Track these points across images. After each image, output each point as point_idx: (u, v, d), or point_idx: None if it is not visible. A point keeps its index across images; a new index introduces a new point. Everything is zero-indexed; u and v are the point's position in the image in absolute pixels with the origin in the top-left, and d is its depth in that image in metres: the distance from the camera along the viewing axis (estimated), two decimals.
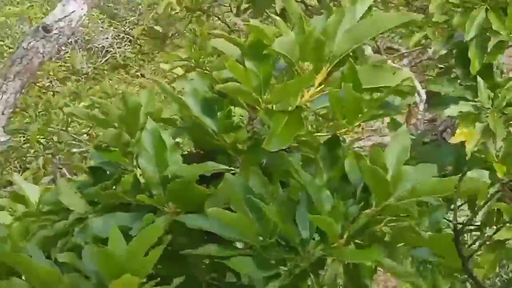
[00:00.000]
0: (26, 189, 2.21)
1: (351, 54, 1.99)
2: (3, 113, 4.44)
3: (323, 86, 1.96)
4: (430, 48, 4.67)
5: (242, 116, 2.05)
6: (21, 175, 6.48)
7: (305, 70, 1.94)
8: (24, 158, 7.35)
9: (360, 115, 1.89)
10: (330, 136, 1.94)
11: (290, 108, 1.93)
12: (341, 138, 1.96)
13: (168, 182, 1.87)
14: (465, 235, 3.89)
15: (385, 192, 1.73)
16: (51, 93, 9.13)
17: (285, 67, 2.02)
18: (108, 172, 2.01)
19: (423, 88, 4.36)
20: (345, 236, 1.72)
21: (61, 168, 6.65)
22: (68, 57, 11.59)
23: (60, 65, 10.81)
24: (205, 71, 2.10)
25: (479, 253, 3.09)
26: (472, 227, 3.33)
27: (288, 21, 2.16)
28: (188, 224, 1.77)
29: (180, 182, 1.83)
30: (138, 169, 1.95)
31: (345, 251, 1.72)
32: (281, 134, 1.83)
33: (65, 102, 7.30)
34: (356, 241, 1.77)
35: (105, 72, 11.81)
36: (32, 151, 7.03)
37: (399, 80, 1.94)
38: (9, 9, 12.05)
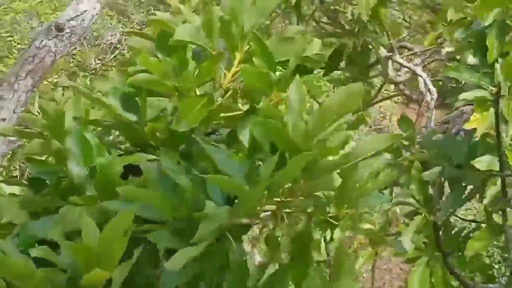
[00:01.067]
0: None
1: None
2: (14, 112, 4.46)
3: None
4: (444, 47, 4.64)
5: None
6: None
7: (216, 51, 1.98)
8: None
9: (272, 85, 1.92)
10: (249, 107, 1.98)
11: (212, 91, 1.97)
12: None
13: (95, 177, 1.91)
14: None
15: (292, 144, 1.72)
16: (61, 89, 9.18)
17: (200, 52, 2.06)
18: (46, 181, 2.05)
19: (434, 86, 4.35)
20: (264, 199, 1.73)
21: None
22: (76, 53, 11.63)
23: (68, 61, 10.85)
24: (124, 68, 2.11)
25: None
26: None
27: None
28: (106, 208, 1.78)
29: (100, 176, 1.87)
30: None
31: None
32: (191, 113, 1.88)
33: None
34: None
35: (113, 68, 11.84)
36: None
37: (310, 50, 1.97)
38: (18, 5, 12.10)
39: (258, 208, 1.77)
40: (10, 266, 1.61)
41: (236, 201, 1.75)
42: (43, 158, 2.14)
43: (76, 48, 11.62)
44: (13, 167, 7.32)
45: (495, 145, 3.01)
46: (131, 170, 1.93)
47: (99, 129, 2.13)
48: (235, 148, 1.92)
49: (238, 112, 1.99)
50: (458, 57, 4.11)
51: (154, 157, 1.89)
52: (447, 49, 4.58)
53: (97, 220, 1.80)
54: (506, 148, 3.05)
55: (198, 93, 1.99)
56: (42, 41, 4.65)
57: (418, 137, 3.63)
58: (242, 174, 1.74)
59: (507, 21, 3.09)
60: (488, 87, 3.04)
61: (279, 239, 1.93)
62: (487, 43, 3.06)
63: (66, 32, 4.70)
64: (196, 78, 1.96)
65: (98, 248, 1.62)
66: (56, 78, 10.07)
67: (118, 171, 1.86)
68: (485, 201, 3.17)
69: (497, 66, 3.04)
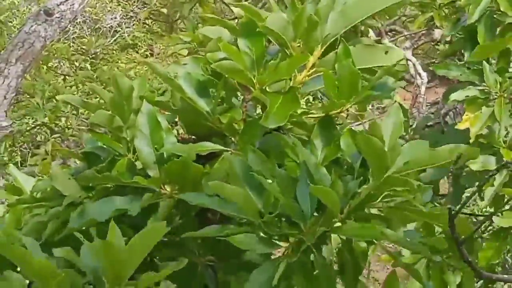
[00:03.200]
0: (22, 180, 2.19)
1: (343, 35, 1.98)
2: (5, 98, 4.44)
3: (315, 68, 1.95)
4: (433, 30, 4.63)
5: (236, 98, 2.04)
6: (28, 160, 6.52)
7: (298, 51, 1.93)
8: (32, 143, 7.35)
9: (354, 95, 1.87)
10: (324, 115, 1.92)
11: (283, 90, 1.92)
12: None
13: (164, 162, 1.87)
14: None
15: (383, 164, 1.71)
16: (62, 76, 9.13)
17: (277, 51, 2.01)
18: (102, 157, 2.00)
19: (426, 71, 4.34)
20: (345, 212, 1.71)
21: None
22: (76, 37, 11.57)
23: (68, 45, 10.78)
24: (199, 55, 2.06)
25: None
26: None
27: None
28: (190, 201, 1.76)
29: (177, 162, 1.82)
30: (132, 153, 1.94)
31: (347, 227, 1.71)
32: (278, 111, 1.83)
33: (72, 89, 7.29)
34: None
35: (114, 52, 11.79)
36: (41, 136, 7.03)
37: (392, 60, 1.93)
38: None
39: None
40: (33, 264, 1.56)
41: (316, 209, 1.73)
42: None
43: (75, 32, 11.57)
44: (15, 152, 7.26)
45: (488, 143, 3.01)
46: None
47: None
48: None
49: (314, 115, 1.94)
50: None
51: (230, 150, 1.88)
52: (438, 31, 4.58)
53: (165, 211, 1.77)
54: (500, 145, 3.04)
55: (268, 90, 1.95)
56: (32, 26, 4.64)
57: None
58: (329, 184, 1.72)
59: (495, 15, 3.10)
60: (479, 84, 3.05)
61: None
62: (477, 38, 3.06)
63: (56, 17, 4.69)
64: (274, 75, 1.91)
65: (123, 254, 1.57)
66: (56, 63, 9.99)
67: (194, 158, 1.81)
68: (485, 202, 3.15)
69: (485, 63, 3.03)
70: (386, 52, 1.95)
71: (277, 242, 1.73)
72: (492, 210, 3.57)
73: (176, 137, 1.97)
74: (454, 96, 3.10)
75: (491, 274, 2.27)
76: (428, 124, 3.59)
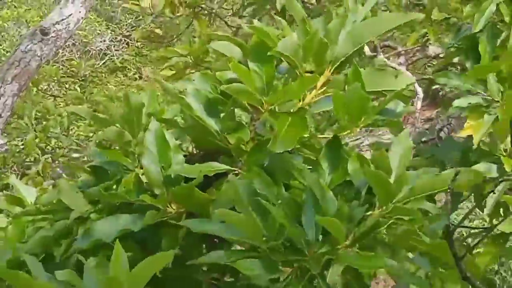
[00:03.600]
0: (23, 191, 2.19)
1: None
2: (1, 116, 4.42)
3: (325, 88, 1.96)
4: (427, 46, 4.67)
5: (243, 120, 2.04)
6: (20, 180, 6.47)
7: (308, 72, 1.94)
8: (22, 164, 7.32)
9: (363, 117, 1.89)
10: (332, 137, 1.93)
11: (292, 110, 1.93)
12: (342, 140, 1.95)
13: (171, 181, 1.87)
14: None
15: (389, 194, 1.73)
16: (51, 98, 9.11)
17: (286, 69, 2.03)
18: (109, 172, 2.00)
19: (421, 86, 4.36)
20: (350, 238, 1.71)
21: (61, 174, 6.62)
22: (66, 60, 11.58)
23: (58, 68, 10.79)
24: (207, 71, 2.07)
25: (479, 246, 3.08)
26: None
27: (286, 19, 2.16)
28: (194, 229, 1.75)
29: (184, 187, 1.82)
30: (140, 169, 1.94)
31: (351, 256, 1.70)
32: (286, 135, 1.83)
33: (64, 108, 7.28)
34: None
35: (103, 75, 11.80)
36: (31, 157, 7.01)
37: (401, 84, 1.94)
38: (6, 12, 12.07)
39: None
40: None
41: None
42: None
43: (65, 55, 11.58)
44: (5, 174, 7.22)
45: (489, 151, 3.01)
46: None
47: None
48: None
49: (325, 136, 1.95)
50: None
51: (237, 170, 1.88)
52: (432, 48, 4.59)
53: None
54: (501, 154, 3.05)
55: (277, 109, 1.96)
56: (28, 45, 4.64)
57: None
58: (335, 210, 1.72)
59: (498, 25, 3.11)
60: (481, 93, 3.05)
61: None
62: (479, 49, 3.07)
63: (52, 36, 4.69)
64: (283, 96, 1.92)
65: (127, 281, 1.56)
66: (46, 86, 10.00)
67: (201, 178, 1.82)
68: (486, 211, 3.15)
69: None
70: (396, 76, 1.96)
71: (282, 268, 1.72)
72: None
73: (184, 154, 1.97)
74: (457, 103, 3.10)
75: None
76: (423, 140, 3.60)
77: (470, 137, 3.00)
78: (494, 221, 3.16)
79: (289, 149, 1.84)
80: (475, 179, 1.83)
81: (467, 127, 3.04)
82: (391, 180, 1.76)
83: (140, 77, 12.29)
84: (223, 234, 1.74)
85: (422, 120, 4.21)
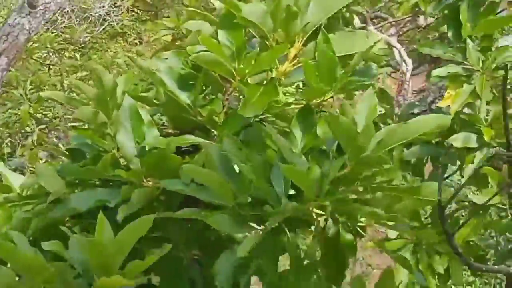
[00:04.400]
0: (10, 178, 2.20)
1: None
2: None
3: (297, 60, 1.96)
4: (418, 16, 4.62)
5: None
6: (18, 151, 6.51)
7: (278, 42, 1.94)
8: (20, 134, 7.34)
9: (334, 80, 1.88)
10: (304, 105, 1.92)
11: (265, 82, 1.93)
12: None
13: (146, 154, 1.87)
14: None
15: (356, 144, 1.70)
16: (47, 67, 9.10)
17: (258, 42, 2.02)
18: (86, 154, 2.00)
19: (410, 58, 4.33)
20: (321, 195, 1.69)
21: (57, 144, 6.64)
22: (65, 27, 11.53)
23: (57, 35, 10.75)
24: (179, 49, 2.06)
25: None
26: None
27: None
28: (166, 187, 1.76)
29: (156, 153, 1.83)
30: (116, 150, 1.95)
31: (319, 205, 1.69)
32: (256, 100, 1.84)
33: (58, 78, 7.26)
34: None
35: (103, 41, 11.75)
36: (27, 128, 7.01)
37: (371, 43, 1.93)
38: None
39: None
40: (21, 258, 1.57)
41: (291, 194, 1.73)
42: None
43: (64, 21, 11.52)
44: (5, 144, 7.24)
45: (469, 121, 3.01)
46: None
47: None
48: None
49: (297, 106, 1.95)
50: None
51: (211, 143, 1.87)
52: (423, 18, 4.56)
53: (140, 199, 1.78)
54: (481, 124, 3.06)
55: (249, 81, 1.95)
56: (15, 19, 4.61)
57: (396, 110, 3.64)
58: (305, 169, 1.71)
59: None
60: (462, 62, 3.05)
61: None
62: (460, 17, 3.06)
63: (40, 9, 4.66)
64: (254, 66, 1.91)
65: (111, 248, 1.58)
66: (45, 54, 9.96)
67: (174, 150, 1.82)
68: (463, 180, 3.16)
69: (469, 40, 3.04)
70: (367, 37, 1.95)
71: (254, 225, 1.70)
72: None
73: (159, 131, 1.98)
74: (436, 72, 3.11)
75: (481, 266, 2.28)
76: (414, 112, 3.59)
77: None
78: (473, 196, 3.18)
79: (260, 116, 1.85)
80: (441, 125, 1.79)
81: (447, 97, 3.05)
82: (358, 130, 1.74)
83: (141, 42, 12.23)
84: (194, 193, 1.74)
85: (414, 92, 4.19)
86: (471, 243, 2.86)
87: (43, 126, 6.85)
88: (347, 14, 3.79)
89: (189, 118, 1.94)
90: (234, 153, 1.74)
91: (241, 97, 2.01)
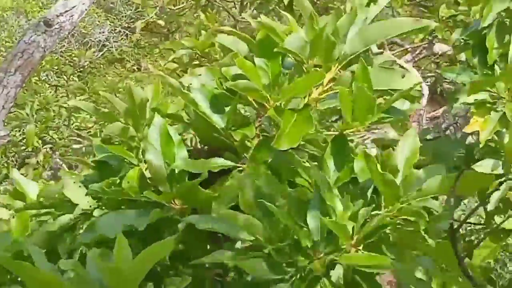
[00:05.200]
0: (25, 185, 2.18)
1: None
2: (3, 107, 4.41)
3: (331, 85, 1.95)
4: (434, 44, 4.64)
5: (249, 114, 2.03)
6: (19, 170, 6.48)
7: (314, 69, 1.93)
8: (23, 153, 7.32)
9: (370, 116, 1.87)
10: (337, 134, 1.91)
11: (298, 106, 1.91)
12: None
13: (175, 177, 1.86)
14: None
15: (396, 195, 1.71)
16: (53, 88, 9.11)
17: (292, 65, 2.01)
18: (113, 166, 1.99)
19: (426, 84, 4.33)
20: (355, 238, 1.69)
21: (61, 164, 6.62)
22: (64, 51, 11.56)
23: (57, 59, 10.77)
24: (213, 66, 2.06)
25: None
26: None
27: (294, 15, 2.14)
28: (198, 226, 1.74)
29: (188, 184, 1.82)
30: (143, 163, 1.93)
31: (356, 257, 1.68)
32: (291, 132, 1.81)
33: (65, 99, 7.27)
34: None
35: (102, 66, 11.78)
36: (31, 148, 7.00)
37: (409, 83, 1.93)
38: (6, 2, 12.05)
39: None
40: (38, 276, 1.53)
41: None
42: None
43: (64, 46, 11.56)
44: (11, 159, 7.22)
45: (494, 147, 2.99)
46: None
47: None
48: None
49: (330, 133, 1.94)
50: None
51: (241, 166, 1.87)
52: (438, 45, 4.57)
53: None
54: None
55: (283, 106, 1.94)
56: (31, 36, 4.61)
57: None
58: (341, 209, 1.71)
59: (506, 21, 3.08)
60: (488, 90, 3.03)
61: None
62: (486, 44, 3.05)
63: (55, 28, 4.67)
64: (289, 92, 1.90)
65: (129, 270, 1.56)
66: (44, 76, 9.98)
67: (206, 175, 1.80)
68: (489, 207, 3.14)
69: (497, 67, 3.03)
70: (403, 76, 1.95)
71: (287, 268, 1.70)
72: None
73: (188, 148, 1.96)
74: (463, 99, 3.09)
75: None
76: (428, 138, 3.58)
77: (474, 133, 2.99)
78: (496, 218, 3.15)
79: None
80: (481, 182, 1.81)
81: (473, 123, 3.02)
82: (398, 180, 1.74)
83: (139, 69, 12.28)
84: (227, 232, 1.73)
85: (428, 118, 4.19)
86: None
87: (47, 147, 6.83)
88: None
89: (219, 138, 1.93)
90: (270, 189, 1.73)
91: (272, 122, 1.99)
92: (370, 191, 1.77)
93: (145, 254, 1.56)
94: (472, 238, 3.24)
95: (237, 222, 1.69)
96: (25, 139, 6.89)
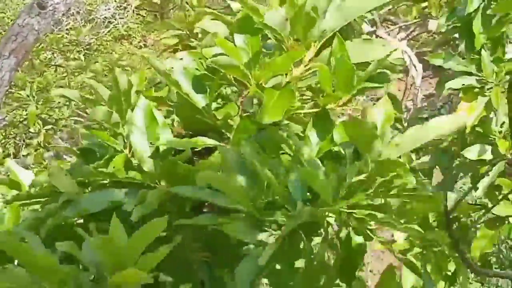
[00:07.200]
0: (20, 174, 2.19)
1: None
2: None
3: (312, 63, 1.94)
4: (428, 20, 4.61)
5: (230, 94, 2.04)
6: (22, 151, 6.52)
7: (294, 46, 1.92)
8: (25, 134, 7.34)
9: (350, 89, 1.87)
10: (319, 109, 1.91)
11: (279, 85, 1.91)
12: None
13: (159, 157, 1.87)
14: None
15: (376, 148, 1.70)
16: (54, 68, 9.10)
17: (273, 46, 2.01)
18: (98, 154, 1.99)
19: (420, 62, 4.30)
20: (338, 200, 1.67)
21: (63, 144, 6.64)
22: (70, 28, 11.54)
23: (62, 37, 10.75)
24: (194, 50, 2.06)
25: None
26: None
27: None
28: (181, 193, 1.74)
29: (170, 161, 1.82)
30: (129, 150, 1.94)
31: (337, 210, 1.68)
32: (274, 106, 1.82)
33: (64, 80, 7.27)
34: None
35: (108, 43, 11.75)
36: (34, 128, 7.01)
37: (386, 52, 1.92)
38: None
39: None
40: (35, 259, 1.55)
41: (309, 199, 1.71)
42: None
43: (69, 23, 11.53)
44: (8, 144, 7.25)
45: (483, 132, 3.00)
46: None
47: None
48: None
49: (312, 110, 1.94)
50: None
51: (225, 146, 1.86)
52: (433, 22, 4.54)
53: (154, 200, 1.77)
54: (496, 136, 3.04)
55: (265, 85, 1.94)
56: (25, 19, 4.60)
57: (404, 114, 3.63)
58: (322, 174, 1.71)
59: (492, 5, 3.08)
60: (476, 74, 3.03)
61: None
62: (473, 30, 3.04)
63: (49, 10, 4.66)
64: (270, 70, 1.90)
65: (124, 249, 1.56)
66: (50, 55, 9.97)
67: (189, 153, 1.81)
68: (478, 193, 3.15)
69: (484, 52, 3.03)
70: (384, 46, 1.94)
71: (272, 231, 1.70)
72: (484, 199, 3.56)
73: (172, 132, 1.97)
74: (450, 84, 3.10)
75: (487, 271, 2.27)
76: (422, 116, 3.58)
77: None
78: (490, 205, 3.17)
79: (277, 122, 1.84)
80: (459, 126, 1.79)
81: (460, 108, 3.04)
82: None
83: (145, 45, 12.25)
84: (209, 198, 1.72)
85: (423, 96, 4.17)
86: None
87: (49, 127, 6.85)
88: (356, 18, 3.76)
89: (202, 120, 1.93)
90: (253, 156, 1.73)
91: (255, 100, 2.00)
92: (350, 152, 1.77)
93: (141, 232, 1.57)
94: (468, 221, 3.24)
95: (218, 184, 1.68)
96: (26, 121, 6.91)
